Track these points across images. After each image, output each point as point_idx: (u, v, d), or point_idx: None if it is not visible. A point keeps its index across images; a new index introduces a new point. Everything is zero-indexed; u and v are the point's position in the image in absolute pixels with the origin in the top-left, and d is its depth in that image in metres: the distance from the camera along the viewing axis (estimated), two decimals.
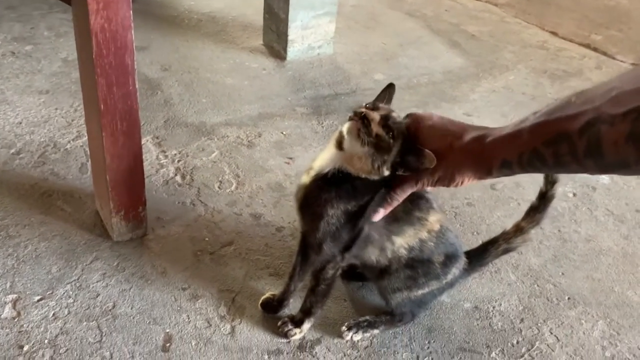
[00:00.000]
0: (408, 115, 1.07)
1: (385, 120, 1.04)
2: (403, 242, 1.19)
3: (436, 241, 1.22)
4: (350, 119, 1.06)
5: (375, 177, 1.07)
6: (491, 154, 0.90)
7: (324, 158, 1.13)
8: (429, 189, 1.09)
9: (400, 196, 1.07)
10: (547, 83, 2.49)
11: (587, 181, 1.84)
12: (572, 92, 0.79)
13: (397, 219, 1.17)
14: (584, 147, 0.74)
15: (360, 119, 1.03)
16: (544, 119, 0.81)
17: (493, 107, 2.28)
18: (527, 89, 2.43)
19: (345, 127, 1.06)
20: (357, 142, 1.04)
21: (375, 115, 1.04)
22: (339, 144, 1.09)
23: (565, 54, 2.76)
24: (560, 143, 0.77)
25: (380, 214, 1.09)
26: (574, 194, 1.79)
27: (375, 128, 1.03)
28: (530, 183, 1.76)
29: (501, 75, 2.52)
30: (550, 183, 1.25)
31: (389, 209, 1.09)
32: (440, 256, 1.24)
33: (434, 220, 1.21)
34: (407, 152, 1.03)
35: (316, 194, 1.13)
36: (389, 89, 1.16)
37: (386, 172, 1.06)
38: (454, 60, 2.65)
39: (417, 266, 1.23)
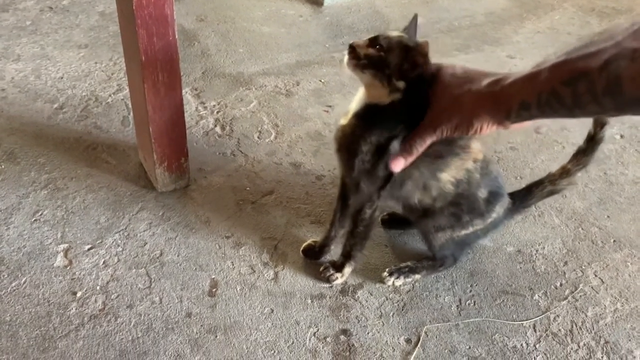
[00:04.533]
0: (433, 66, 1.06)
1: (373, 41, 1.09)
2: (449, 176, 1.18)
3: (481, 172, 1.20)
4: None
5: (397, 96, 1.09)
6: (509, 96, 0.88)
7: (356, 100, 1.17)
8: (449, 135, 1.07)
9: (420, 145, 1.04)
10: (595, 22, 2.39)
11: (636, 123, 1.78)
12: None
13: (440, 155, 1.16)
14: (603, 85, 0.71)
15: (348, 50, 1.10)
16: (563, 59, 0.78)
17: (537, 49, 2.21)
18: (574, 28, 2.34)
19: (344, 63, 1.12)
20: (356, 71, 1.11)
21: (361, 41, 1.10)
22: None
23: None
24: (579, 82, 0.75)
25: (401, 164, 1.07)
26: (622, 136, 1.74)
27: (363, 51, 1.09)
28: (575, 125, 1.72)
29: (546, 15, 2.43)
30: (599, 125, 1.21)
31: (410, 159, 1.07)
32: (484, 192, 1.23)
33: (477, 148, 1.19)
34: (405, 54, 1.07)
35: (350, 132, 1.16)
36: (413, 20, 1.18)
37: (400, 84, 1.08)
38: (497, 0, 2.56)
39: (462, 203, 1.22)
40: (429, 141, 1.03)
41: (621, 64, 0.68)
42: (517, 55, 2.15)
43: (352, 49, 1.09)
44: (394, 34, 1.12)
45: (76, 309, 1.22)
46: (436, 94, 1.01)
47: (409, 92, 1.08)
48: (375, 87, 1.10)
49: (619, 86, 0.69)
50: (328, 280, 1.29)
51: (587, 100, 0.75)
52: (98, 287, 1.27)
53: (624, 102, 0.70)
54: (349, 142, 1.17)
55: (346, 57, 1.10)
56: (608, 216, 1.48)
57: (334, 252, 1.33)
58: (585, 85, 0.74)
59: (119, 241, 1.37)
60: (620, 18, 2.41)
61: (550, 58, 0.81)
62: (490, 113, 0.92)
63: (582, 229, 1.44)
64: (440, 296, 1.28)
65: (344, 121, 1.18)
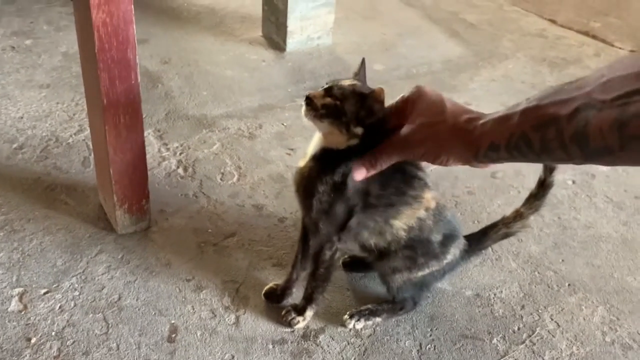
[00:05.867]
0: (415, 87, 1.07)
1: (329, 90, 1.13)
2: (401, 223, 1.21)
3: (434, 219, 1.24)
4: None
5: (355, 142, 1.12)
6: (480, 135, 0.90)
7: (313, 143, 1.20)
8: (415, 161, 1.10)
9: (385, 162, 1.05)
10: (546, 71, 2.49)
11: (587, 169, 1.85)
12: (567, 80, 0.79)
13: (392, 204, 1.19)
14: (571, 132, 0.73)
15: (305, 101, 1.12)
16: (535, 104, 0.81)
17: (492, 96, 2.29)
18: (527, 77, 2.44)
19: (302, 114, 1.14)
20: (315, 121, 1.13)
21: (317, 92, 1.13)
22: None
23: (564, 42, 2.77)
24: (549, 127, 0.77)
25: (362, 173, 1.08)
26: (573, 182, 1.81)
27: (320, 101, 1.11)
28: (531, 172, 1.77)
29: (500, 64, 2.53)
30: (549, 170, 1.27)
31: (372, 171, 1.07)
32: (438, 235, 1.26)
33: (429, 197, 1.23)
34: (362, 102, 1.10)
35: (308, 174, 1.19)
36: (362, 64, 1.24)
37: (358, 130, 1.11)
38: (453, 49, 2.65)
39: (416, 246, 1.24)
40: (394, 160, 1.05)
41: (589, 114, 0.70)
42: (474, 102, 2.22)
43: (310, 100, 1.12)
44: (347, 82, 1.15)
45: (30, 356, 1.18)
46: (413, 117, 1.01)
47: (366, 137, 1.11)
48: (333, 134, 1.13)
49: (585, 135, 0.71)
50: (290, 324, 1.29)
51: (555, 147, 0.77)
52: (53, 333, 1.23)
53: (589, 151, 0.72)
54: (306, 183, 1.20)
55: (304, 108, 1.12)
56: (562, 260, 1.52)
57: (296, 295, 1.33)
58: (554, 132, 0.76)
59: (76, 285, 1.35)
60: (569, 68, 2.52)
61: (522, 102, 0.84)
62: (460, 150, 0.94)
63: (538, 272, 1.48)
64: (401, 340, 1.29)
65: (302, 163, 1.21)
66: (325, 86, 1.14)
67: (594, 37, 2.83)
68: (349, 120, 1.10)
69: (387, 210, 1.20)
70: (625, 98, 0.66)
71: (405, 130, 1.01)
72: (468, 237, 1.36)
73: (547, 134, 0.77)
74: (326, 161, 1.16)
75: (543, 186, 1.31)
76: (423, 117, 0.99)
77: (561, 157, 0.78)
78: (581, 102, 0.72)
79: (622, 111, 0.66)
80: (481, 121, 0.91)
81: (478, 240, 1.38)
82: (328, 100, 1.11)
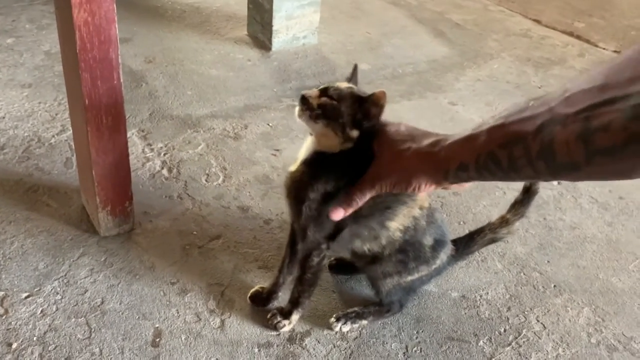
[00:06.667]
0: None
1: (324, 91, 1.11)
2: (398, 224, 1.20)
3: (427, 220, 1.24)
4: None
5: (349, 145, 1.11)
6: (448, 157, 0.90)
7: (305, 147, 1.18)
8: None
9: (360, 198, 1.06)
10: (531, 71, 2.50)
11: None
12: (551, 81, 0.79)
13: (388, 207, 1.19)
14: (537, 148, 0.73)
15: (300, 101, 1.10)
16: (501, 122, 0.80)
17: (478, 95, 2.29)
18: (512, 77, 2.44)
19: (295, 114, 1.12)
20: (309, 122, 1.11)
21: (312, 92, 1.11)
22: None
23: (548, 42, 2.78)
24: (516, 145, 0.76)
25: (340, 214, 1.08)
26: (559, 182, 1.81)
27: (316, 101, 1.10)
28: None
29: (485, 64, 2.54)
30: None
31: (349, 211, 1.08)
32: (429, 240, 1.26)
33: (422, 196, 1.22)
34: (360, 105, 1.09)
35: (299, 179, 1.17)
36: (354, 70, 1.21)
37: (354, 133, 1.10)
38: (439, 49, 2.65)
39: (409, 250, 1.24)
40: (368, 195, 1.05)
41: (554, 129, 0.69)
42: (459, 102, 2.22)
43: (305, 100, 1.10)
44: (343, 85, 1.14)
45: None
46: (379, 150, 1.03)
47: (360, 142, 1.09)
48: (327, 136, 1.11)
49: (551, 151, 0.70)
50: (275, 327, 1.27)
51: (522, 164, 0.76)
52: (35, 338, 1.21)
53: (556, 167, 0.72)
54: (297, 188, 1.18)
55: (298, 108, 1.11)
56: (548, 261, 1.53)
57: (282, 298, 1.32)
58: (520, 149, 0.75)
59: (58, 289, 1.33)
60: (554, 68, 2.53)
61: (488, 120, 0.84)
62: (429, 173, 0.94)
63: (523, 274, 1.48)
64: (387, 343, 1.28)
65: (293, 168, 1.19)
66: (321, 87, 1.13)
67: (578, 37, 2.85)
68: (346, 122, 1.09)
69: (383, 214, 1.19)
70: (588, 111, 0.65)
71: (373, 165, 1.03)
72: (455, 242, 1.36)
73: (514, 151, 0.77)
74: (318, 166, 1.14)
75: (528, 193, 1.33)
76: (388, 148, 1.01)
77: (529, 174, 0.77)
78: (546, 118, 0.71)
79: (585, 125, 0.65)
80: (447, 142, 0.91)
81: (465, 245, 1.39)
82: (324, 100, 1.10)
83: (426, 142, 0.95)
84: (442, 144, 0.92)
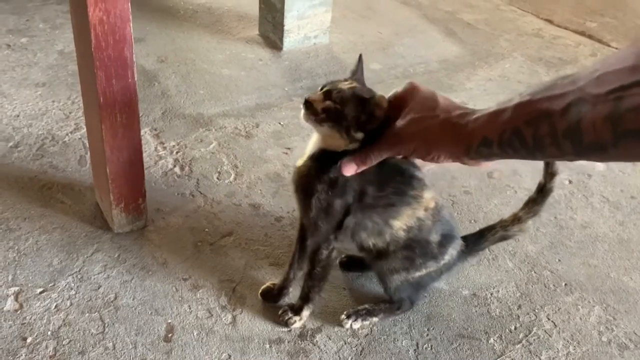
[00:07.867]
0: (408, 83, 1.06)
1: (328, 94, 1.11)
2: (401, 224, 1.21)
3: (433, 219, 1.24)
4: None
5: (355, 145, 1.11)
6: (473, 130, 0.88)
7: (311, 143, 1.20)
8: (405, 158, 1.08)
9: (375, 156, 1.04)
10: (543, 71, 2.49)
11: (583, 169, 1.85)
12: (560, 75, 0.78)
13: (391, 204, 1.19)
14: (564, 127, 0.72)
15: (304, 105, 1.11)
16: (528, 99, 0.79)
17: (489, 95, 2.29)
18: (523, 77, 2.44)
19: (301, 117, 1.13)
20: (315, 125, 1.12)
21: (316, 96, 1.11)
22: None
23: (560, 42, 2.77)
24: (542, 123, 0.75)
25: (352, 169, 1.07)
26: (570, 181, 1.81)
27: (320, 105, 1.10)
28: (527, 172, 1.78)
29: (497, 64, 2.53)
30: (549, 176, 1.26)
31: (362, 167, 1.07)
32: (436, 235, 1.26)
33: (429, 197, 1.23)
34: (363, 107, 1.09)
35: (306, 173, 1.19)
36: (359, 61, 1.22)
37: (359, 135, 1.10)
38: (450, 48, 2.65)
39: (415, 246, 1.24)
40: (385, 155, 1.04)
41: (582, 109, 0.68)
42: (470, 102, 2.22)
43: (309, 104, 1.10)
44: (346, 85, 1.13)
45: (26, 356, 1.18)
46: (405, 112, 1.00)
47: (366, 142, 1.09)
48: (333, 137, 1.12)
49: (578, 131, 0.69)
50: (286, 323, 1.28)
51: (547, 143, 0.75)
52: (49, 333, 1.23)
53: (582, 147, 0.71)
54: (305, 182, 1.19)
55: (303, 112, 1.12)
56: (559, 260, 1.52)
57: (293, 295, 1.33)
58: (546, 127, 0.74)
59: (72, 284, 1.34)
60: (566, 68, 2.52)
61: (515, 97, 0.82)
62: (451, 145, 0.92)
63: (534, 272, 1.48)
64: (398, 340, 1.29)
65: (300, 163, 1.21)
66: (324, 89, 1.13)
67: (590, 37, 2.83)
68: (350, 125, 1.09)
69: (387, 211, 1.20)
70: (619, 92, 0.64)
71: (396, 125, 1.00)
72: (465, 238, 1.35)
73: (540, 129, 0.76)
74: (324, 161, 1.16)
75: (543, 191, 1.30)
76: (415, 112, 0.98)
77: (554, 153, 0.76)
78: (574, 96, 0.70)
79: (615, 105, 0.64)
80: (474, 116, 0.90)
81: (475, 242, 1.37)
82: (328, 104, 1.10)
83: (455, 113, 0.93)
84: (469, 117, 0.90)
